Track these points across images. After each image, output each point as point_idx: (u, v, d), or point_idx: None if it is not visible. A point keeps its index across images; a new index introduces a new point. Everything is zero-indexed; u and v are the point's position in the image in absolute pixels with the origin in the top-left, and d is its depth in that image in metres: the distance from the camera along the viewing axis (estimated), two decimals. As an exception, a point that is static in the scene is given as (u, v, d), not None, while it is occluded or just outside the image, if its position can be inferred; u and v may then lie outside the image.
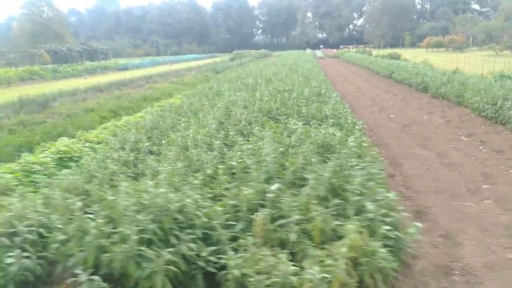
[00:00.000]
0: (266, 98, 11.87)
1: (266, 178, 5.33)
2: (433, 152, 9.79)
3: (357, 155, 6.46)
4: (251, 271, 3.69)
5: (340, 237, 4.21)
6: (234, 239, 4.36)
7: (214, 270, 4.06)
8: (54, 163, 8.39)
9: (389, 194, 5.04)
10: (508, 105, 12.12)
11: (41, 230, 4.66)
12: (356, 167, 5.69)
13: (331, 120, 8.47)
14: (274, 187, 4.72)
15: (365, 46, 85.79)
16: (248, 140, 7.26)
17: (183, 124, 9.29)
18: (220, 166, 5.90)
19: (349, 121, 9.07)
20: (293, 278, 3.54)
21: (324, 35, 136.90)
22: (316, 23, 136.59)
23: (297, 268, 3.69)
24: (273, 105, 10.58)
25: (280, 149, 6.37)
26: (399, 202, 5.92)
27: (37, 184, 7.28)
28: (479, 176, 8.04)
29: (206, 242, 4.32)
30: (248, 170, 5.59)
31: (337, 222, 4.37)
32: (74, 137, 10.49)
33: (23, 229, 4.50)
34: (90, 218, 4.38)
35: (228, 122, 9.20)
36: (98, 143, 10.07)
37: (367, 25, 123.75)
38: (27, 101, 18.01)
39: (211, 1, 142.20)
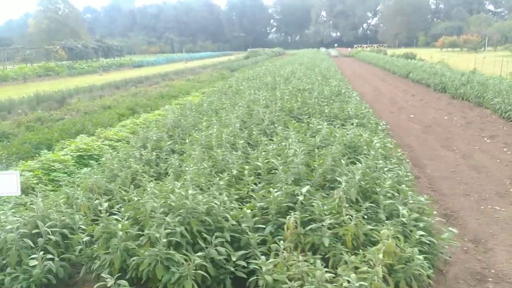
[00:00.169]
0: (287, 97, 11.75)
1: (295, 179, 5.19)
2: (457, 154, 9.58)
3: (383, 156, 6.31)
4: (284, 277, 3.56)
5: (372, 242, 4.08)
6: (263, 242, 4.23)
7: (243, 275, 3.94)
8: (73, 161, 8.33)
9: (421, 198, 4.91)
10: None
11: (64, 231, 4.56)
12: (385, 169, 5.55)
13: (356, 121, 8.29)
14: (305, 189, 4.57)
15: (379, 46, 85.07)
16: (272, 140, 7.12)
17: (204, 123, 9.18)
18: (246, 167, 5.76)
19: (372, 121, 8.92)
20: (329, 286, 3.39)
21: (338, 34, 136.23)
22: (330, 22, 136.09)
23: (331, 274, 3.54)
24: (295, 104, 10.45)
25: (304, 149, 6.21)
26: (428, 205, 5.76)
27: (57, 183, 7.23)
28: (506, 179, 7.82)
29: (233, 245, 4.20)
30: (275, 171, 5.46)
31: (369, 227, 4.24)
32: (93, 135, 10.44)
33: (46, 230, 4.38)
34: (116, 220, 4.26)
35: (250, 121, 9.08)
36: (118, 140, 10.03)
37: (381, 25, 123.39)
38: (43, 97, 18.08)
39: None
